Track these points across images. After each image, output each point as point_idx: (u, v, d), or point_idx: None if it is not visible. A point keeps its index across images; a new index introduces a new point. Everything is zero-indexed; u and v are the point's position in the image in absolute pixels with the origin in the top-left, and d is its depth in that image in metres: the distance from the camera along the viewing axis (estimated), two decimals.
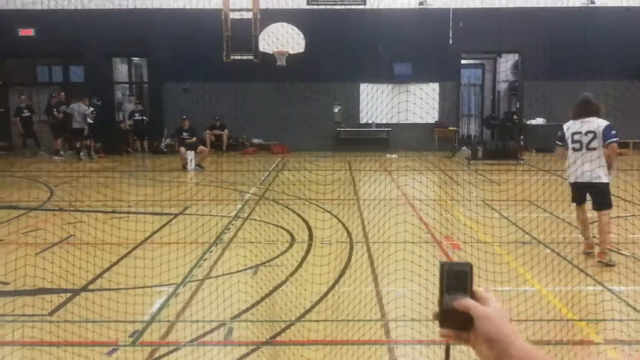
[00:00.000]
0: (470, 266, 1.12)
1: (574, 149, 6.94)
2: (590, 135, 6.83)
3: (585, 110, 7.02)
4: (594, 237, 7.16)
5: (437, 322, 1.12)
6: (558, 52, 17.87)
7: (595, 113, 6.99)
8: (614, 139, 6.81)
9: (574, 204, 7.18)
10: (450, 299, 1.10)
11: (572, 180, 7.05)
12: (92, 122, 18.88)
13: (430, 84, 19.47)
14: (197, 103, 18.48)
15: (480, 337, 1.06)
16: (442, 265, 1.13)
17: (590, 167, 6.76)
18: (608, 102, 15.88)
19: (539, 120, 19.84)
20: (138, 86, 22.46)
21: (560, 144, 7.21)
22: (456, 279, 1.11)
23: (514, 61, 21.57)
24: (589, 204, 7.03)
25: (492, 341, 1.05)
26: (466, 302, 1.09)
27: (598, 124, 6.88)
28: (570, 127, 7.05)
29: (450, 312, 1.10)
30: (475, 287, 1.11)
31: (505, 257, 7.02)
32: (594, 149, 6.79)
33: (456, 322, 1.09)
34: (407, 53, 19.26)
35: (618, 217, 8.55)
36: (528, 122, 20.00)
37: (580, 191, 6.99)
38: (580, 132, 6.91)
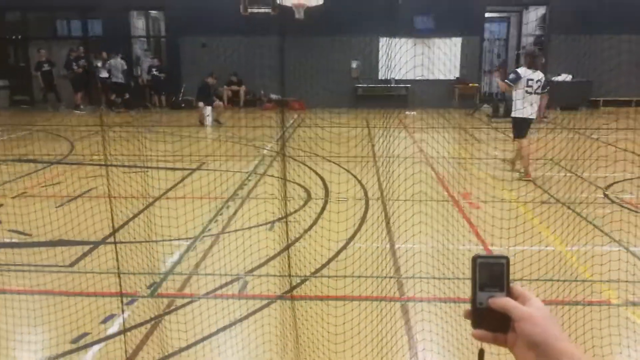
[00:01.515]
0: (507, 259, 1.00)
1: (527, 92, 8.87)
2: (539, 83, 8.91)
3: (536, 63, 9.09)
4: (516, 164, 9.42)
5: (468, 321, 1.01)
6: (588, 4, 17.24)
7: (542, 66, 9.37)
8: (547, 89, 9.14)
9: (521, 140, 9.06)
10: (484, 297, 0.98)
11: (524, 116, 8.90)
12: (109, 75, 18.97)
13: (453, 39, 19.03)
14: (215, 58, 18.34)
15: (521, 341, 0.94)
16: (475, 259, 1.01)
17: (534, 107, 8.99)
18: (638, 56, 15.47)
19: (565, 77, 19.37)
20: (156, 40, 22.32)
21: (510, 84, 9.01)
22: (491, 273, 0.99)
23: (542, 14, 20.89)
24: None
25: (536, 345, 0.92)
26: (504, 302, 0.97)
27: (542, 75, 9.05)
28: (526, 74, 8.91)
29: (485, 311, 0.98)
30: (513, 284, 1.00)
31: (524, 215, 6.96)
32: (538, 94, 8.97)
33: (492, 322, 0.97)
34: (429, 5, 18.78)
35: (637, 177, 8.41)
36: (553, 78, 19.54)
37: (526, 125, 9.05)
38: (532, 79, 8.89)
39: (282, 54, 17.46)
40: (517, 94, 8.94)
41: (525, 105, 8.81)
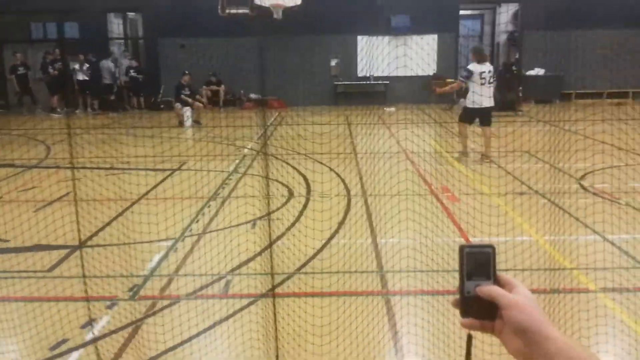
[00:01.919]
0: (493, 248, 1.01)
1: (481, 84, 9.77)
2: (490, 75, 9.93)
3: (484, 57, 10.13)
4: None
5: (452, 312, 1.02)
6: (559, 1, 17.48)
7: (489, 59, 10.42)
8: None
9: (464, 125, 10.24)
10: (472, 286, 0.99)
11: (481, 105, 9.80)
12: (88, 78, 18.80)
13: (429, 36, 19.16)
14: (193, 58, 18.23)
15: (508, 327, 0.95)
16: (462, 248, 1.02)
17: (490, 97, 9.92)
18: (608, 51, 15.76)
19: (539, 71, 19.62)
20: (133, 42, 22.13)
21: (463, 80, 10.04)
22: (478, 262, 1.00)
23: (514, 11, 21.14)
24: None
25: (523, 332, 0.93)
26: (490, 289, 0.98)
27: (491, 67, 10.17)
28: (477, 68, 9.86)
29: (472, 299, 0.99)
30: (499, 272, 1.01)
31: (503, 207, 7.04)
32: (490, 84, 9.91)
33: (480, 310, 0.99)
34: (405, 5, 18.88)
35: (617, 166, 8.55)
36: (527, 72, 19.77)
37: (477, 114, 10.04)
38: (484, 71, 9.85)
39: (261, 54, 17.45)
40: (474, 87, 9.79)
41: (483, 96, 9.70)
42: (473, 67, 9.92)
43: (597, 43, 15.03)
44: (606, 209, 6.56)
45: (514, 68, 20.30)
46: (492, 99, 9.98)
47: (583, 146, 8.20)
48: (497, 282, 1.00)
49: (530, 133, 11.14)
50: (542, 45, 17.91)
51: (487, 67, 9.94)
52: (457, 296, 1.01)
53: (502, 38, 22.27)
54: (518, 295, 0.97)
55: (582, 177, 8.56)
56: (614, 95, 19.12)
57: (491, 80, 9.93)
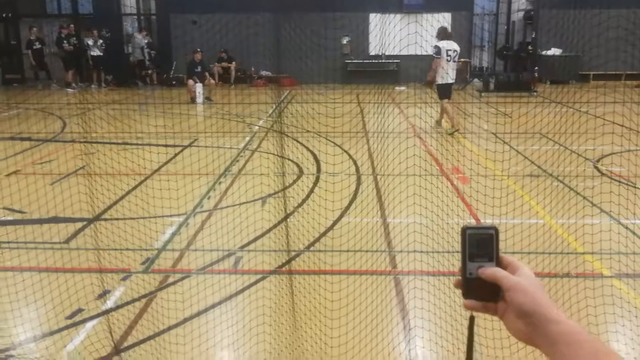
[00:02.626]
0: (496, 229, 1.00)
1: (447, 61, 10.73)
2: (456, 53, 10.90)
3: (449, 35, 11.09)
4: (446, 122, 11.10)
5: (459, 291, 1.01)
6: None
7: (453, 37, 11.28)
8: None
9: (445, 100, 10.86)
10: (474, 267, 0.99)
11: (447, 81, 10.74)
12: (101, 54, 18.86)
13: (442, 14, 18.95)
14: (205, 35, 18.19)
15: (511, 310, 0.94)
16: (464, 229, 1.01)
17: (454, 73, 10.95)
18: (627, 31, 15.48)
19: (555, 51, 19.36)
20: (146, 18, 22.10)
21: (438, 57, 10.78)
22: (480, 244, 0.99)
23: None
24: None
25: (525, 314, 0.92)
26: (493, 271, 0.97)
27: (457, 45, 11.08)
28: (445, 46, 10.81)
29: (475, 281, 0.98)
30: (502, 253, 1.00)
31: (514, 189, 7.04)
32: (456, 61, 10.92)
33: (482, 292, 0.98)
34: None
35: (636, 149, 8.48)
36: (543, 52, 19.53)
37: (450, 88, 10.92)
38: (450, 49, 10.80)
39: (277, 30, 17.36)
40: (442, 63, 10.75)
41: (448, 72, 10.67)
42: (442, 44, 10.84)
43: (615, 23, 14.79)
44: (622, 192, 6.52)
45: (529, 48, 20.07)
46: (454, 74, 11.04)
47: (599, 128, 8.13)
48: (500, 263, 0.99)
49: (543, 114, 11.07)
50: (559, 24, 17.64)
51: (453, 46, 10.91)
52: (460, 277, 1.01)
53: (517, 17, 21.96)
54: (521, 277, 0.95)
55: (599, 159, 8.49)
56: (633, 77, 18.85)
57: (456, 59, 10.98)
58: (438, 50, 10.82)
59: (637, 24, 16.45)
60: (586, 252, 5.18)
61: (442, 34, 11.08)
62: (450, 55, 10.81)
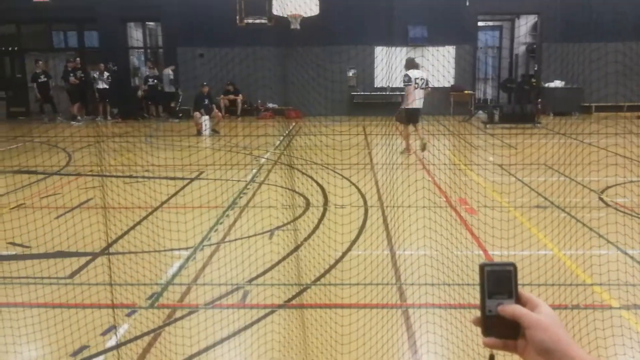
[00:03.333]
0: (514, 266, 1.00)
1: (416, 88, 11.68)
2: (424, 81, 11.93)
3: (416, 65, 12.09)
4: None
5: (472, 326, 1.02)
6: (578, 13, 17.43)
7: (420, 67, 12.25)
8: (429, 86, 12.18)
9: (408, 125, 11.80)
10: (493, 304, 0.99)
11: (415, 106, 11.58)
12: (107, 87, 19.06)
13: (447, 47, 19.15)
14: (211, 68, 18.39)
15: (531, 347, 0.94)
16: (482, 266, 1.01)
17: (421, 99, 11.79)
18: (627, 64, 15.62)
19: (557, 83, 19.51)
20: (153, 51, 22.40)
21: (409, 84, 11.72)
22: (499, 281, 0.99)
23: (533, 23, 21.08)
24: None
25: (547, 352, 0.92)
26: (513, 309, 0.97)
27: (424, 74, 12.10)
28: (413, 74, 11.82)
29: (494, 318, 0.98)
30: (521, 290, 1.00)
31: (522, 220, 6.99)
32: (423, 89, 11.85)
33: (502, 329, 0.98)
34: (423, 15, 18.91)
35: (631, 181, 8.45)
36: (546, 84, 19.67)
37: (416, 114, 11.75)
38: (418, 78, 11.83)
39: (284, 63, 17.58)
40: (410, 90, 11.69)
41: (416, 99, 11.59)
42: (410, 73, 11.86)
43: (616, 56, 14.95)
44: (627, 223, 6.48)
45: (532, 80, 20.23)
46: (422, 101, 11.88)
47: (602, 159, 8.11)
48: (519, 300, 0.99)
49: (545, 145, 11.07)
50: (561, 57, 17.82)
51: (420, 74, 11.95)
52: (479, 314, 1.01)
53: (520, 50, 22.19)
54: (541, 315, 0.96)
55: (603, 190, 8.46)
56: (635, 108, 18.93)
57: (423, 86, 11.87)
58: (408, 79, 11.82)
59: (633, 57, 16.62)
60: (594, 284, 5.12)
61: (410, 64, 12.13)
62: (418, 83, 11.79)
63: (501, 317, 0.98)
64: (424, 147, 11.54)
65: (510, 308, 0.97)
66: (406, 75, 11.89)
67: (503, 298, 0.99)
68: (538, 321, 0.95)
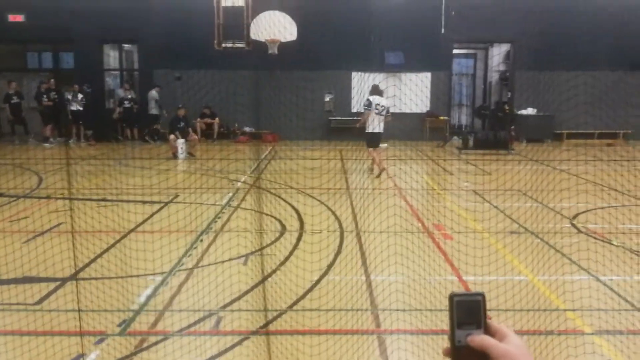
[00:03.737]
0: (483, 296, 1.01)
1: (376, 113, 12.22)
2: (384, 107, 12.34)
3: (379, 92, 12.54)
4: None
5: (448, 359, 1.01)
6: (550, 42, 17.83)
7: (383, 94, 12.62)
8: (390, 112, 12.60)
9: (372, 149, 12.46)
10: (462, 335, 0.99)
11: (376, 131, 12.28)
12: (81, 108, 18.87)
13: (422, 73, 19.42)
14: (188, 91, 18.36)
15: None
16: (452, 296, 1.01)
17: (380, 124, 12.33)
18: (598, 92, 16.03)
19: (530, 111, 19.89)
20: (129, 73, 22.28)
21: (368, 109, 12.29)
22: (468, 311, 1.00)
23: (506, 51, 21.55)
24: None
25: None
26: (482, 339, 0.97)
27: (385, 102, 12.46)
28: (375, 100, 12.29)
29: (463, 349, 0.98)
30: (489, 320, 1.01)
31: (496, 246, 7.04)
32: (383, 115, 12.32)
33: (471, 359, 0.98)
34: (399, 42, 19.18)
35: (609, 206, 8.59)
36: (519, 112, 20.04)
37: (376, 139, 12.37)
38: (379, 104, 12.30)
39: (257, 88, 17.63)
40: (372, 115, 12.25)
41: (376, 124, 12.23)
42: (372, 98, 12.38)
43: (587, 84, 15.33)
44: (599, 249, 6.57)
45: (506, 107, 20.59)
46: (382, 126, 12.43)
47: (574, 186, 8.26)
48: (488, 330, 0.99)
49: (521, 172, 11.22)
50: (533, 85, 18.20)
51: (381, 101, 12.40)
52: (449, 345, 1.00)
53: (494, 77, 22.62)
54: (509, 345, 0.96)
55: (575, 217, 8.59)
56: (605, 136, 19.37)
57: (383, 113, 12.35)
58: (369, 103, 12.36)
59: (608, 86, 17.04)
60: (568, 309, 5.15)
61: (374, 90, 12.67)
62: (378, 109, 12.30)
63: (470, 348, 0.98)
64: (371, 171, 12.54)
65: (479, 339, 0.97)
66: (367, 99, 12.50)
67: (472, 328, 0.99)
68: (506, 352, 0.95)
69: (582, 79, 15.58)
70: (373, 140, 12.39)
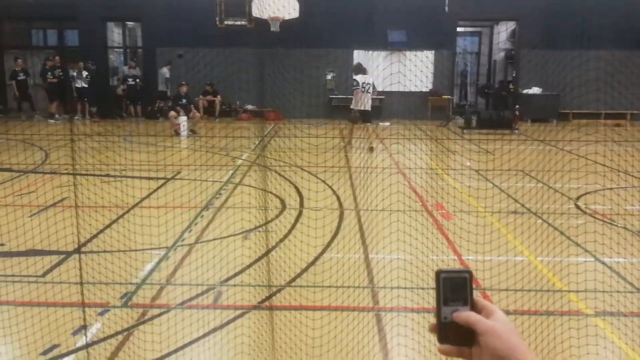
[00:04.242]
0: (470, 273, 1.01)
1: (362, 91, 12.89)
2: (369, 85, 12.99)
3: (363, 70, 13.21)
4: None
5: (434, 335, 1.01)
6: (556, 21, 17.63)
7: (367, 72, 13.32)
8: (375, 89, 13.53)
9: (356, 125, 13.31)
10: (449, 311, 0.99)
11: (362, 108, 12.99)
12: (86, 85, 18.89)
13: (425, 52, 19.29)
14: (191, 69, 18.34)
15: (485, 354, 0.95)
16: (438, 273, 1.01)
17: (369, 101, 13.09)
18: (606, 72, 15.89)
19: (535, 90, 19.75)
20: (132, 51, 22.24)
21: (357, 88, 12.96)
22: (454, 288, 0.99)
23: (512, 29, 21.33)
24: None
25: (499, 358, 0.93)
26: (467, 315, 0.97)
27: (370, 79, 13.14)
28: (361, 79, 12.98)
29: (449, 325, 0.98)
30: (476, 297, 1.00)
31: (497, 226, 7.08)
32: (369, 92, 13.00)
33: (457, 336, 0.98)
34: (402, 20, 19.03)
35: (616, 187, 8.58)
36: (524, 91, 19.91)
37: (367, 115, 13.22)
38: (365, 82, 12.93)
39: (261, 65, 17.59)
40: (359, 94, 12.93)
41: (365, 101, 12.91)
42: (358, 78, 13.04)
43: (595, 63, 15.21)
44: (601, 230, 6.58)
45: (510, 86, 20.45)
46: (369, 103, 13.17)
47: (578, 166, 8.23)
48: (475, 307, 0.99)
49: (525, 152, 11.22)
50: (539, 64, 18.06)
51: (367, 79, 13.03)
52: (434, 321, 1.01)
53: (499, 56, 22.45)
54: (495, 321, 0.96)
55: (578, 198, 8.59)
56: (612, 116, 19.25)
57: (369, 90, 13.02)
58: (357, 83, 13.00)
59: (616, 65, 16.88)
60: (569, 290, 5.18)
61: (358, 69, 13.39)
62: (365, 87, 12.93)
63: (456, 324, 0.98)
64: (371, 150, 12.69)
65: (464, 315, 0.98)
66: (354, 79, 13.12)
67: (458, 305, 0.99)
68: (492, 327, 0.95)
69: (591, 57, 15.49)
70: (364, 117, 13.13)
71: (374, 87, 13.20)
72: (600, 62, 15.60)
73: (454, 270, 1.02)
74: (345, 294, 5.02)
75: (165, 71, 19.41)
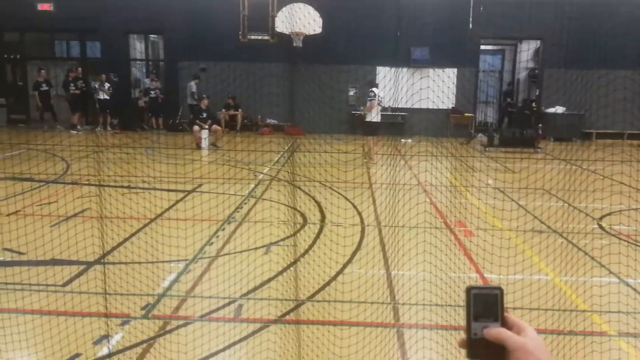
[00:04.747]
0: (501, 290, 1.01)
1: (378, 104, 13.73)
2: (382, 98, 14.01)
3: (376, 85, 14.15)
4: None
5: (463, 350, 1.02)
6: (580, 40, 17.50)
7: (378, 86, 14.34)
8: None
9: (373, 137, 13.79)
10: (479, 327, 1.00)
11: (376, 120, 13.69)
12: (108, 97, 19.12)
13: (448, 69, 19.25)
14: (212, 82, 18.47)
15: None
16: (469, 289, 1.02)
17: (379, 115, 13.88)
18: (633, 91, 15.69)
19: (559, 109, 19.58)
20: (154, 64, 22.50)
21: (374, 99, 13.50)
22: (485, 304, 1.01)
23: (535, 48, 21.21)
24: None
25: None
26: (498, 332, 0.98)
27: (382, 93, 14.19)
28: (378, 92, 13.76)
29: (479, 341, 0.99)
30: (507, 314, 1.01)
31: (519, 245, 6.97)
32: (381, 105, 14.04)
33: (487, 352, 0.98)
34: (426, 37, 19.02)
35: (636, 208, 8.43)
36: (547, 110, 19.74)
37: (377, 126, 13.75)
38: (380, 96, 13.82)
39: (291, 80, 17.71)
40: (374, 105, 13.57)
41: (376, 113, 13.61)
42: (376, 90, 13.71)
43: (619, 84, 15.03)
44: (625, 251, 6.45)
45: (533, 105, 20.30)
46: (379, 116, 13.92)
47: (602, 186, 8.10)
48: (505, 323, 1.00)
49: (545, 170, 11.08)
50: (562, 83, 17.89)
51: (380, 92, 13.90)
52: (464, 336, 1.01)
53: (522, 75, 22.32)
54: (526, 338, 0.96)
55: (601, 218, 8.45)
56: (635, 137, 19.01)
57: (381, 103, 14.02)
58: (374, 94, 13.61)
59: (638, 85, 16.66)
60: (592, 311, 5.08)
61: (373, 83, 14.44)
62: (379, 101, 13.81)
63: (486, 340, 0.98)
64: (369, 160, 13.50)
65: (495, 331, 0.98)
66: (371, 91, 13.71)
67: (489, 321, 1.00)
68: (523, 344, 0.95)
69: (617, 77, 15.33)
70: (374, 128, 13.76)
71: (384, 102, 14.10)
72: (624, 82, 15.42)
73: (485, 286, 1.02)
74: (368, 309, 4.96)
75: (192, 85, 19.59)
